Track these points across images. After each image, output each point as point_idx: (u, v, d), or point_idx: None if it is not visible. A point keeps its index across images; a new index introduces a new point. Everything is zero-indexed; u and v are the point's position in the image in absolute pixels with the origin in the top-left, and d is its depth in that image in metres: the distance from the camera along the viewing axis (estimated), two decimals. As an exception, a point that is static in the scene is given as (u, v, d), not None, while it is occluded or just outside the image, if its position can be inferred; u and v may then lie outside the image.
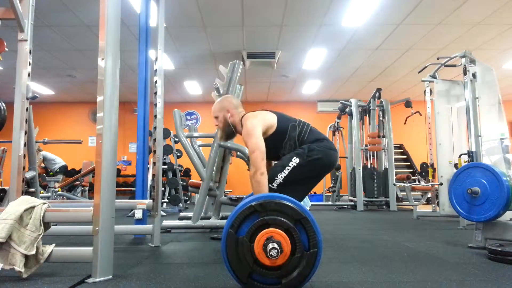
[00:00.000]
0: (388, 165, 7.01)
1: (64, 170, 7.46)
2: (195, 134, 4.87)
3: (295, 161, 2.13)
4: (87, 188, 7.39)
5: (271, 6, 5.15)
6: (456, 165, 4.32)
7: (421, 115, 6.21)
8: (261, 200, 1.53)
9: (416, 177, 6.64)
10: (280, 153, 2.24)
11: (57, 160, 7.56)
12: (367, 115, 7.50)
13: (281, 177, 2.11)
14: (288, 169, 2.12)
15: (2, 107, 3.35)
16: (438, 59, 4.73)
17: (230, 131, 2.36)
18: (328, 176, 8.67)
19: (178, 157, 7.09)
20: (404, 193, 6.84)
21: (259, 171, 2.02)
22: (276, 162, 2.29)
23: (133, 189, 8.18)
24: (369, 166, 7.38)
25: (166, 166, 6.42)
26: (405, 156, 10.33)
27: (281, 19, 5.52)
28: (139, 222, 3.16)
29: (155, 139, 3.03)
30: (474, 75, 3.87)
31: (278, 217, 1.51)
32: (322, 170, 2.25)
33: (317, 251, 1.50)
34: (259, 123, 2.16)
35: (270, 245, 1.44)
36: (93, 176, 6.49)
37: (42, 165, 7.41)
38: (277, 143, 2.20)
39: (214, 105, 2.39)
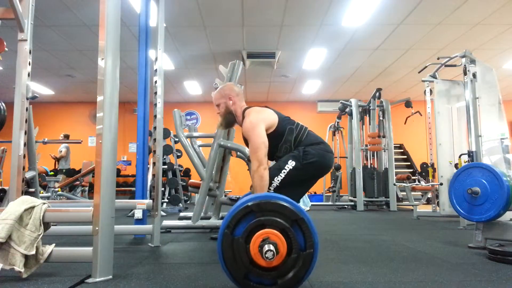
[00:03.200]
0: (388, 165, 7.01)
1: (68, 173, 7.54)
2: (195, 134, 4.87)
3: (291, 164, 2.13)
4: (87, 188, 7.41)
5: (271, 6, 5.15)
6: (456, 165, 4.32)
7: (421, 115, 6.21)
8: (258, 200, 1.53)
9: (416, 177, 6.65)
10: (275, 155, 2.23)
11: (69, 161, 8.00)
12: (367, 115, 7.50)
13: (278, 180, 2.11)
14: (284, 172, 2.12)
15: (2, 107, 3.35)
16: (438, 59, 4.74)
17: (231, 118, 2.35)
18: (328, 176, 8.67)
19: (178, 157, 7.09)
20: (404, 193, 6.85)
21: (262, 166, 2.01)
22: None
23: (133, 189, 8.17)
24: (369, 166, 7.38)
25: (166, 166, 6.42)
26: (405, 156, 10.33)
27: (281, 19, 5.52)
28: (139, 222, 3.16)
29: (155, 139, 3.03)
30: (474, 75, 3.86)
31: (274, 217, 1.50)
32: (317, 173, 2.25)
33: (313, 251, 1.49)
34: (262, 120, 2.16)
35: (266, 247, 1.43)
36: (93, 176, 6.49)
37: (63, 153, 7.82)
38: (273, 145, 2.19)
39: (215, 92, 2.38)
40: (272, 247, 1.43)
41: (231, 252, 1.48)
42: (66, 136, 7.75)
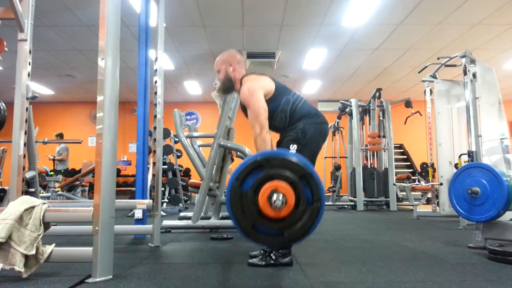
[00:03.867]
0: (388, 165, 7.01)
1: (66, 173, 7.54)
2: (195, 134, 4.87)
3: (293, 148, 2.15)
4: (87, 188, 7.41)
5: (271, 6, 5.15)
6: (456, 165, 4.32)
7: (421, 115, 6.21)
8: (266, 155, 1.55)
9: (416, 177, 6.64)
10: (270, 123, 2.24)
11: (67, 162, 7.93)
12: (367, 115, 7.50)
13: None
14: None
15: (2, 107, 3.34)
16: (438, 59, 4.73)
17: (229, 85, 2.38)
18: (328, 176, 8.68)
19: (178, 157, 7.09)
20: (404, 193, 6.84)
21: (264, 130, 2.05)
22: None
23: (133, 189, 8.16)
24: (369, 166, 7.37)
25: (166, 166, 6.42)
26: (405, 156, 10.33)
27: (281, 19, 5.52)
28: (139, 222, 3.16)
29: (155, 139, 3.03)
30: (474, 75, 3.86)
31: (283, 171, 1.51)
32: (318, 144, 2.29)
33: (320, 205, 1.50)
34: (260, 87, 2.19)
35: (275, 196, 1.45)
36: (93, 176, 6.49)
37: (63, 156, 7.71)
38: (269, 113, 2.20)
39: (217, 58, 2.40)
40: (281, 197, 1.45)
41: (239, 204, 1.50)
42: (60, 135, 7.70)
